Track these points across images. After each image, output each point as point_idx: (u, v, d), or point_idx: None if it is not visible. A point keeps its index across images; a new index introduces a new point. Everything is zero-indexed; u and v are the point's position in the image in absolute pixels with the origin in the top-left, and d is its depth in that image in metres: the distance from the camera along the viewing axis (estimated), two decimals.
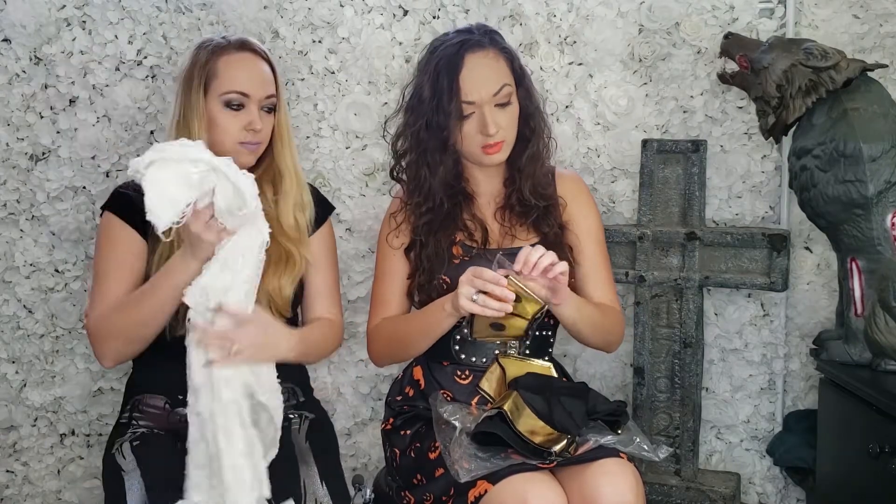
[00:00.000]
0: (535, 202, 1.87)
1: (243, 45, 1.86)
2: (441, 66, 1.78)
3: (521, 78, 1.85)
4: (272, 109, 1.86)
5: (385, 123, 1.97)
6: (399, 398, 1.91)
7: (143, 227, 1.78)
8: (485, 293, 1.63)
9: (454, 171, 1.87)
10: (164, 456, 1.72)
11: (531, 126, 1.87)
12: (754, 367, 2.34)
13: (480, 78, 1.78)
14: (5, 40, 2.45)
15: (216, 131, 1.80)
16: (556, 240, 1.88)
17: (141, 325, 1.69)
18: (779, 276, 2.15)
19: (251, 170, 1.87)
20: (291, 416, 1.85)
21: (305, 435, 1.84)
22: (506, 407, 1.66)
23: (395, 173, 1.95)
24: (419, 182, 1.87)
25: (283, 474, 1.70)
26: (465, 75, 1.77)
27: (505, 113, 1.81)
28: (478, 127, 1.79)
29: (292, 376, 1.87)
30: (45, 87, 2.46)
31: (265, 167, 1.89)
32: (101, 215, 1.87)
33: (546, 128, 1.92)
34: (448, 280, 1.83)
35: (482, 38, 1.82)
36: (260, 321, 1.63)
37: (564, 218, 1.92)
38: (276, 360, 1.66)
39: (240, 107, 1.81)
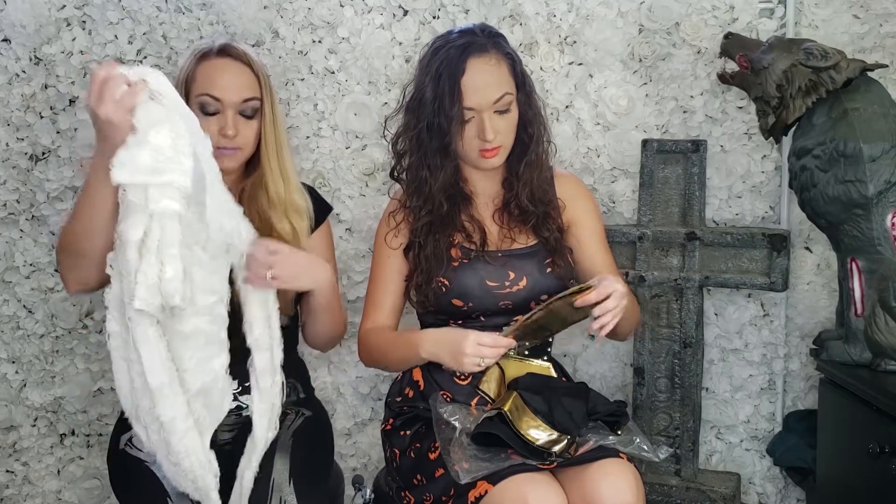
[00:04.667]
0: (532, 209, 1.87)
1: (223, 50, 1.85)
2: (443, 68, 1.78)
3: (521, 84, 1.84)
4: (253, 115, 1.84)
5: (385, 122, 1.97)
6: (399, 399, 1.91)
7: None
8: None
9: (454, 175, 1.87)
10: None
11: (529, 132, 1.87)
12: (754, 367, 2.34)
13: (482, 84, 1.77)
14: (5, 40, 2.45)
15: None
16: (556, 244, 1.87)
17: (85, 237, 1.63)
18: (779, 276, 2.15)
19: (245, 170, 1.88)
20: (288, 411, 1.86)
21: (293, 431, 1.83)
22: (506, 408, 1.66)
23: (395, 173, 1.94)
24: (419, 184, 1.86)
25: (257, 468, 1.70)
26: (467, 80, 1.77)
27: (504, 119, 1.80)
28: (476, 132, 1.79)
29: (293, 372, 1.87)
30: (45, 87, 2.46)
31: (254, 173, 1.88)
32: None
33: (545, 133, 1.91)
34: (446, 282, 1.83)
35: (486, 41, 1.81)
36: (293, 252, 1.72)
37: (564, 219, 1.91)
38: (317, 286, 1.76)
39: (215, 112, 1.81)
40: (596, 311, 1.67)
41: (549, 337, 1.85)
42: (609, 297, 1.66)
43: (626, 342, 2.32)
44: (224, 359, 1.63)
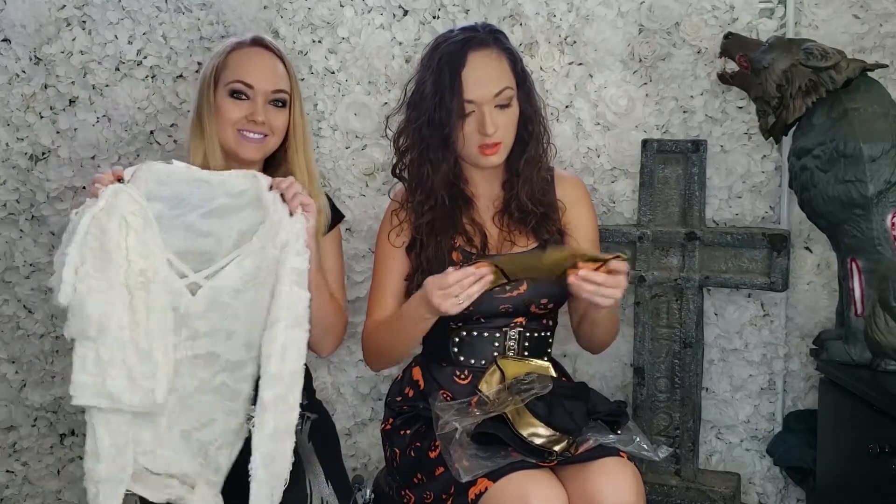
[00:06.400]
0: (532, 208, 1.86)
1: (255, 41, 1.89)
2: (444, 62, 1.78)
3: (522, 81, 1.84)
4: (284, 105, 1.87)
5: (387, 120, 1.97)
6: (399, 398, 1.90)
7: None
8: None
9: (454, 171, 1.87)
10: None
11: (529, 129, 1.86)
12: (754, 367, 2.34)
13: (482, 77, 1.77)
14: (5, 40, 2.46)
15: (219, 119, 1.83)
16: (557, 245, 1.87)
17: None
18: (779, 276, 2.15)
19: (266, 169, 1.88)
20: None
21: (308, 435, 1.84)
22: (507, 411, 1.66)
23: (396, 171, 1.94)
24: (421, 179, 1.86)
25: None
26: (468, 73, 1.77)
27: (504, 115, 1.80)
28: (476, 126, 1.78)
29: None
30: (45, 87, 2.46)
31: (278, 166, 1.90)
32: None
33: (545, 132, 1.90)
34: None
35: (486, 36, 1.81)
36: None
37: (564, 221, 1.91)
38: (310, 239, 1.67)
39: (245, 97, 1.84)
40: (591, 284, 1.61)
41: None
42: (614, 283, 1.62)
43: (627, 342, 2.32)
44: (242, 417, 1.65)
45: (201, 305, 1.62)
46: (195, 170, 1.66)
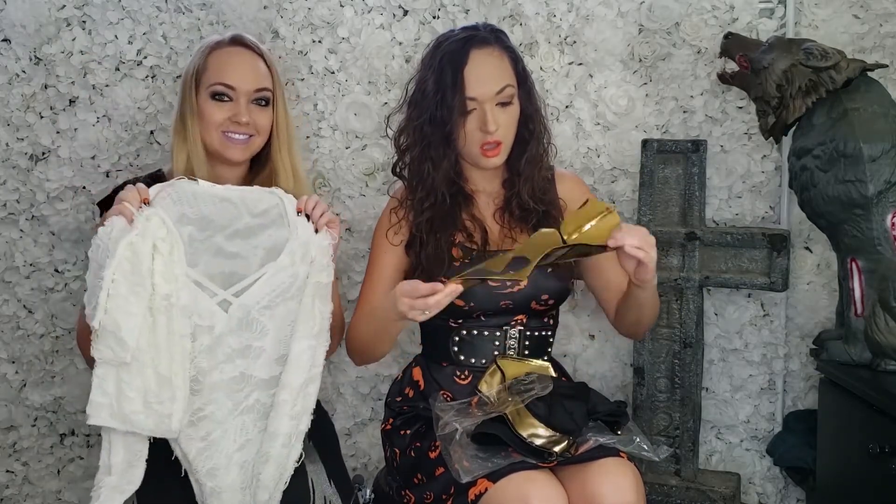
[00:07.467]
0: (534, 206, 1.86)
1: (234, 40, 1.88)
2: (446, 60, 1.78)
3: (523, 79, 1.85)
4: (267, 104, 1.87)
5: (387, 119, 1.97)
6: (399, 399, 1.90)
7: None
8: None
9: (455, 169, 1.87)
10: (154, 463, 1.72)
11: (530, 129, 1.86)
12: (754, 367, 2.34)
13: (484, 75, 1.78)
14: (5, 40, 2.45)
15: (202, 121, 1.83)
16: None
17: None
18: (779, 276, 2.15)
19: (251, 169, 1.89)
20: None
21: (309, 434, 1.83)
22: (507, 412, 1.66)
23: (397, 169, 1.94)
24: (422, 177, 1.86)
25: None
26: (470, 70, 1.77)
27: (505, 113, 1.80)
28: (478, 124, 1.78)
29: None
30: (45, 87, 2.46)
31: (263, 165, 1.90)
32: (100, 214, 1.87)
33: (546, 132, 1.91)
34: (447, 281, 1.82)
35: (488, 35, 1.82)
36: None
37: None
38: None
39: (227, 99, 1.83)
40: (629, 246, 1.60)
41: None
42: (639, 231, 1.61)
43: (627, 342, 2.32)
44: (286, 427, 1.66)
45: (234, 323, 1.64)
46: (217, 187, 1.67)
